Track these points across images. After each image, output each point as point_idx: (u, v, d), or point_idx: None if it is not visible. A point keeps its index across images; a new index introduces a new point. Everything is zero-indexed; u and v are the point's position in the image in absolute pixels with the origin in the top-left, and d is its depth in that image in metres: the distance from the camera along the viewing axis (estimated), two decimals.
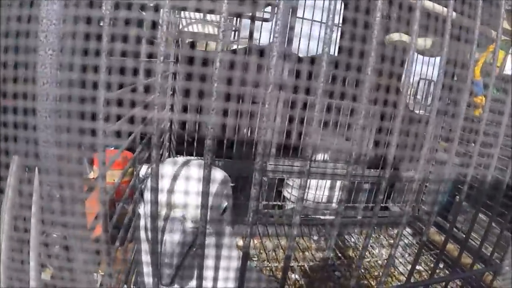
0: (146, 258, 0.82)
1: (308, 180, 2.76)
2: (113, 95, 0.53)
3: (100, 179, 0.48)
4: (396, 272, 2.44)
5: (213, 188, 0.77)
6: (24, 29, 0.47)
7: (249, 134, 2.62)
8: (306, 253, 2.56)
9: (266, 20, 2.23)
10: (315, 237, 2.81)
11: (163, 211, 0.72)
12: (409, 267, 2.44)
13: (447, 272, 2.44)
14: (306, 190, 2.79)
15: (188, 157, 1.02)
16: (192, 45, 2.92)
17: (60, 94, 0.48)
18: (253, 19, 2.27)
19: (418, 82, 3.10)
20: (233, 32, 2.64)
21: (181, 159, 0.84)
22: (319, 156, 2.82)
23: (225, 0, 0.43)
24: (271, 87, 0.44)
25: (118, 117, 0.94)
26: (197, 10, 2.04)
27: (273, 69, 0.43)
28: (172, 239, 0.68)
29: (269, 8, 2.11)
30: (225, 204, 0.81)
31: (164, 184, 0.73)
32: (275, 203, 2.88)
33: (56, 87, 0.47)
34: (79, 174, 0.55)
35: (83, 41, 0.49)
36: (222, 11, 0.44)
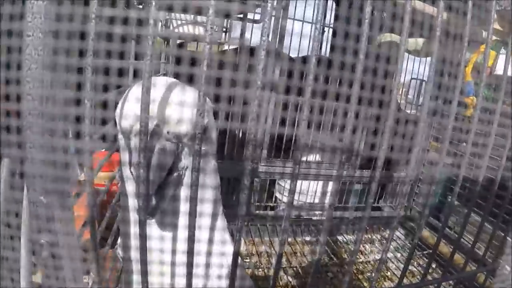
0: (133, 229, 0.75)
1: (301, 181, 2.77)
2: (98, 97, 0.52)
3: (87, 185, 0.47)
4: (389, 273, 2.45)
5: (192, 101, 0.66)
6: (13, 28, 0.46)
7: (240, 134, 2.62)
8: (299, 254, 2.56)
9: (256, 21, 2.24)
10: (308, 238, 2.81)
11: (136, 125, 0.62)
12: (401, 267, 2.45)
13: (440, 272, 2.45)
14: (299, 191, 2.79)
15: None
16: (181, 46, 2.91)
17: (47, 95, 0.47)
18: (242, 19, 2.27)
19: (410, 81, 3.11)
20: (223, 33, 2.63)
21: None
22: (312, 157, 2.82)
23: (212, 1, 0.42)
24: (259, 90, 0.43)
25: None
26: (184, 11, 2.03)
27: (260, 72, 0.43)
28: (146, 157, 0.52)
29: (260, 9, 2.11)
30: (205, 120, 0.69)
31: (132, 95, 0.65)
32: (267, 204, 2.88)
33: (42, 88, 0.46)
34: (67, 180, 0.54)
35: (68, 40, 0.48)
36: (209, 12, 0.43)
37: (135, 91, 0.65)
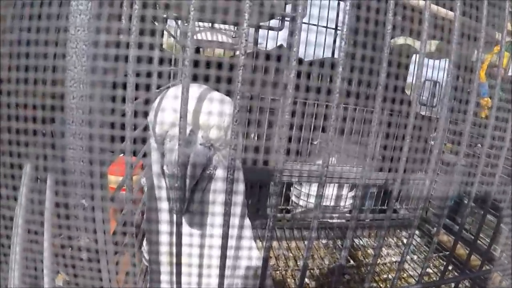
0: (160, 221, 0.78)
1: (315, 185, 2.77)
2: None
3: (127, 179, 0.50)
4: (405, 274, 2.45)
5: (226, 108, 0.71)
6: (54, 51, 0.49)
7: (256, 139, 2.63)
8: (315, 256, 2.57)
9: (271, 28, 2.27)
10: (324, 241, 2.82)
11: (171, 131, 0.67)
12: (418, 269, 2.45)
13: (456, 273, 2.44)
14: (314, 194, 2.80)
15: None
16: (197, 51, 2.95)
17: (90, 108, 0.51)
18: (258, 28, 2.30)
19: (424, 83, 3.10)
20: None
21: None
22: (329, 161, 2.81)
23: (246, 14, 0.45)
24: (289, 100, 0.46)
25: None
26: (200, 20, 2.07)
27: (291, 85, 0.45)
28: (184, 158, 0.59)
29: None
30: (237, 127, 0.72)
31: (167, 103, 0.69)
32: (283, 207, 2.89)
33: (87, 107, 0.50)
34: (104, 186, 0.57)
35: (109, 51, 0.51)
36: (242, 23, 0.46)
37: (168, 98, 0.69)
